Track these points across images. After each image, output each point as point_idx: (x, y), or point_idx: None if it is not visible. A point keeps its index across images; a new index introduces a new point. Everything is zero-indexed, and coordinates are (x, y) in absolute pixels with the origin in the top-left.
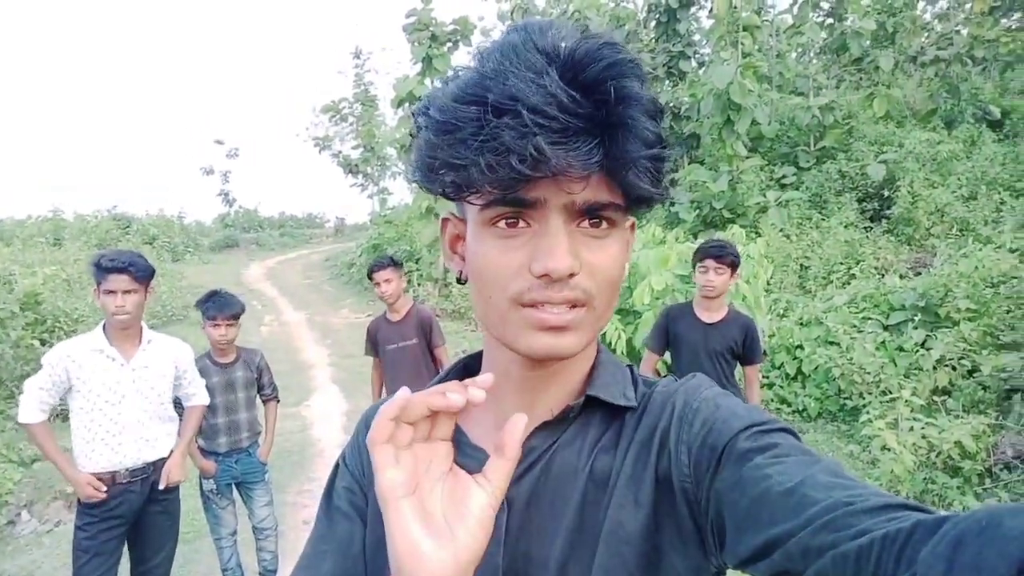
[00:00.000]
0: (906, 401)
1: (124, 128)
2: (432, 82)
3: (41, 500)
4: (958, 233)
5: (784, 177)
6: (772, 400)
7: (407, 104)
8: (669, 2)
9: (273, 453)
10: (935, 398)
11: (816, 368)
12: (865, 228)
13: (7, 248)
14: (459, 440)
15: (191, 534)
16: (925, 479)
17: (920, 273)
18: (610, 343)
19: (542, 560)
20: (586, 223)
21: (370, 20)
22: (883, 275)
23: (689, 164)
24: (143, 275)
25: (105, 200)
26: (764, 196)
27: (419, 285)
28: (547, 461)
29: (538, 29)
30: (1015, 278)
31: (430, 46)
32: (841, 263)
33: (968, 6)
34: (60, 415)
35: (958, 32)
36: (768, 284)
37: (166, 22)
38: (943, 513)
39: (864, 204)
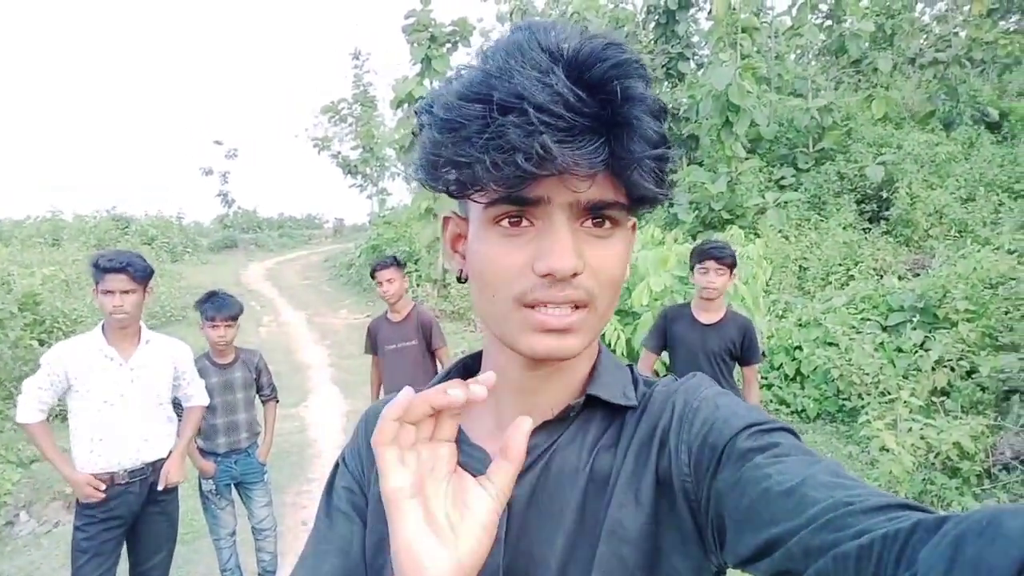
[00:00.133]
0: (905, 402)
1: (123, 128)
2: (431, 83)
3: (40, 501)
4: (956, 234)
5: (783, 178)
6: (771, 401)
7: (406, 105)
8: (668, 4)
9: (272, 454)
10: (934, 399)
11: (815, 369)
12: (864, 229)
13: (5, 248)
14: (459, 439)
15: (190, 535)
16: (924, 480)
17: (919, 274)
18: (609, 344)
19: (542, 559)
20: (589, 222)
21: (370, 21)
22: (882, 276)
23: (688, 165)
24: (141, 275)
25: (104, 200)
26: (763, 197)
27: (418, 286)
28: (547, 460)
29: (542, 29)
30: (1013, 279)
31: (429, 47)
32: (840, 264)
33: (966, 8)
34: (59, 416)
35: (956, 34)
36: (767, 285)
37: (166, 22)
38: (943, 513)
39: (863, 205)
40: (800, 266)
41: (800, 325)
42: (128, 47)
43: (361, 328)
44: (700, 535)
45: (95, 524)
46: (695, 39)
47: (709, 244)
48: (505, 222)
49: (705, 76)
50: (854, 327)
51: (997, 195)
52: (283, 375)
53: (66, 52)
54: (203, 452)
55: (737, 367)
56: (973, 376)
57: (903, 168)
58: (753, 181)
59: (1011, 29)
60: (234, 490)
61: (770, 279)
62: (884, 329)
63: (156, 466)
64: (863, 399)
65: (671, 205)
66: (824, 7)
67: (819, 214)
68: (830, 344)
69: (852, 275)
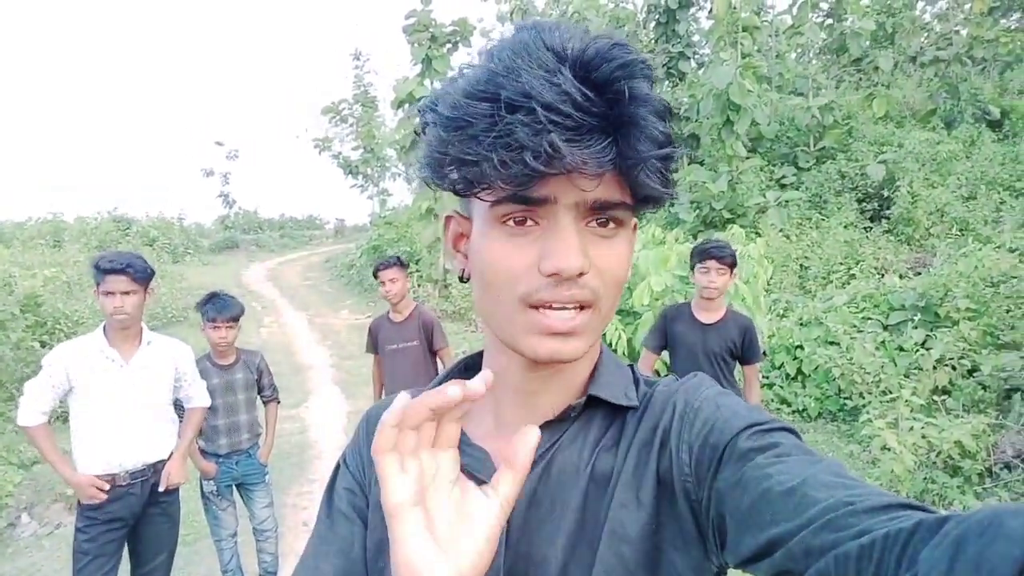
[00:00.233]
0: (906, 401)
1: (124, 129)
2: (432, 83)
3: (41, 502)
4: (958, 233)
5: (784, 177)
6: (772, 400)
7: (407, 105)
8: (668, 3)
9: (273, 454)
10: (935, 398)
11: (816, 368)
12: (865, 228)
13: (7, 250)
14: (460, 440)
15: (191, 536)
16: (925, 479)
17: (920, 273)
18: (611, 343)
19: (543, 560)
20: (594, 222)
21: (370, 21)
22: (883, 275)
23: (689, 164)
24: (141, 276)
25: (105, 201)
26: (764, 196)
27: (419, 286)
28: (548, 461)
29: (548, 28)
30: (1015, 277)
31: (430, 47)
32: (841, 263)
33: (967, 6)
34: (60, 417)
35: (957, 32)
36: (768, 284)
37: (167, 23)
38: (945, 513)
39: (864, 204)
40: (801, 265)
41: (801, 324)
42: (128, 47)
43: (362, 329)
44: (701, 535)
45: (96, 526)
46: (696, 38)
47: (710, 244)
48: (510, 221)
49: (706, 75)
50: (855, 326)
51: (998, 193)
52: (284, 376)
53: (66, 52)
54: (204, 453)
55: (738, 366)
56: (974, 375)
57: (904, 167)
58: (754, 180)
59: (1012, 27)
60: (235, 491)
61: (771, 278)
62: (885, 328)
63: (157, 467)
64: (864, 398)
65: (672, 204)
66: (825, 6)
67: (820, 213)
68: (831, 343)
69: (853, 274)
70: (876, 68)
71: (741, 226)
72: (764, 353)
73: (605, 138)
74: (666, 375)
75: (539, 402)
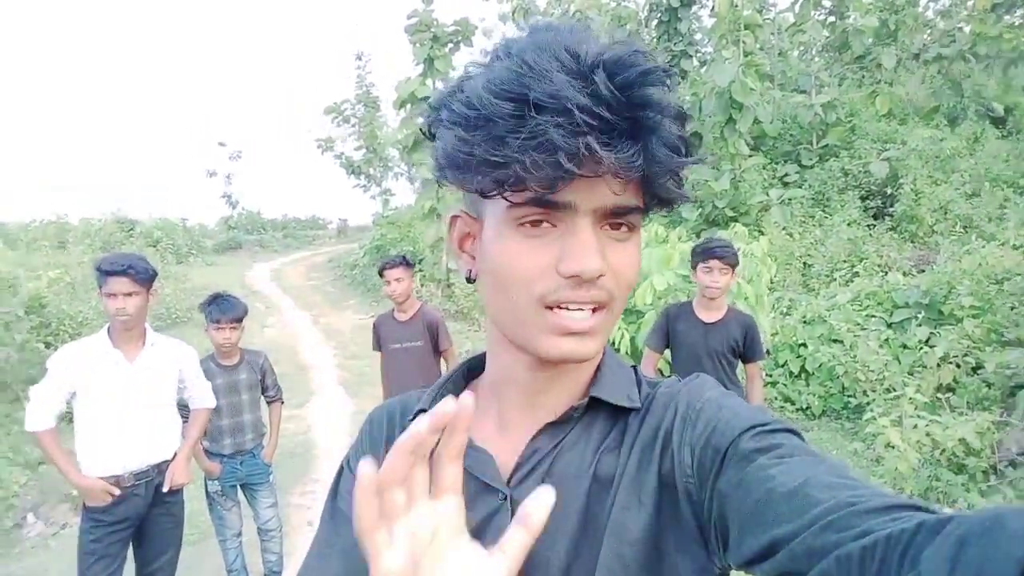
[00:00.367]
0: (910, 399)
1: (127, 129)
2: (434, 83)
3: (47, 503)
4: (961, 230)
5: (787, 175)
6: (776, 398)
7: (409, 105)
8: (670, 1)
9: (277, 454)
10: (939, 395)
11: (820, 366)
12: (868, 226)
13: (11, 251)
14: None
15: (196, 536)
16: (929, 476)
17: (924, 270)
18: (613, 342)
19: (546, 562)
20: (608, 226)
21: (372, 22)
22: (886, 273)
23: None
24: (143, 277)
25: (109, 202)
26: (767, 194)
27: (422, 286)
28: (551, 463)
29: (567, 31)
30: (1019, 275)
31: (431, 47)
32: (844, 261)
33: (970, 3)
34: (64, 418)
35: (960, 29)
36: (771, 282)
37: (170, 23)
38: (947, 513)
39: (867, 202)
40: (804, 263)
41: (805, 322)
42: (131, 48)
43: (365, 328)
44: (703, 536)
45: (102, 527)
46: (698, 36)
47: (713, 243)
48: (527, 223)
49: (708, 73)
50: (859, 324)
51: (1002, 190)
52: (288, 376)
53: (69, 53)
54: (209, 453)
55: (740, 365)
56: (979, 372)
57: (908, 164)
58: (757, 178)
59: (1016, 23)
60: (240, 491)
61: (774, 276)
62: (889, 326)
63: (161, 468)
64: (868, 396)
65: None
66: (827, 3)
67: (823, 211)
68: (835, 341)
69: (857, 272)
70: (879, 65)
71: (744, 224)
72: (767, 352)
73: (634, 143)
74: (669, 374)
75: (543, 403)
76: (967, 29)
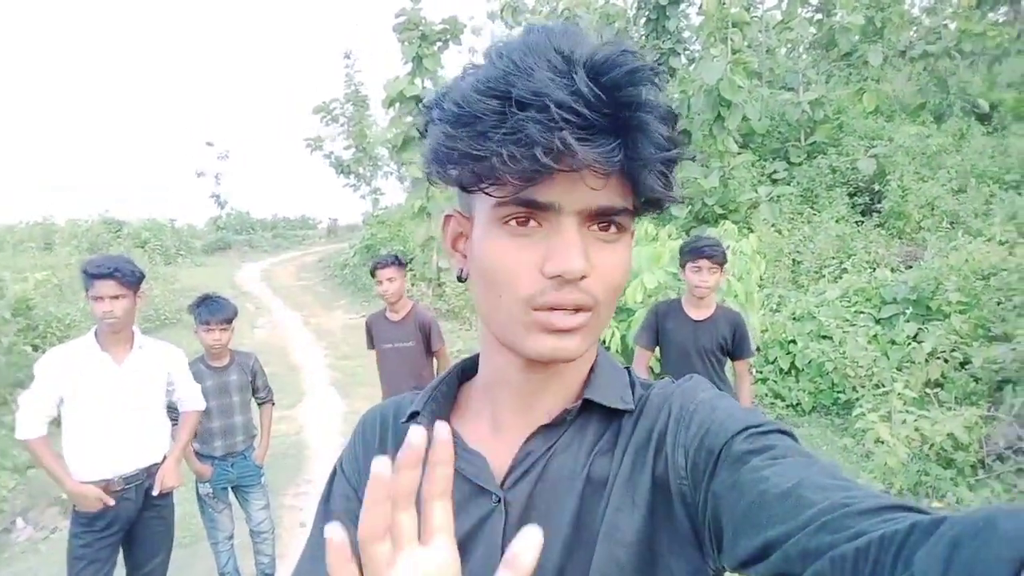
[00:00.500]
0: (899, 394)
1: (116, 130)
2: (422, 82)
3: (36, 507)
4: (948, 226)
5: (775, 172)
6: (766, 395)
7: (398, 104)
8: None
9: (269, 456)
10: (927, 390)
11: (809, 362)
12: (856, 222)
13: None
14: (455, 444)
15: (188, 538)
16: (918, 471)
17: (911, 266)
18: (604, 341)
19: (539, 565)
20: (596, 226)
21: (361, 21)
22: (874, 269)
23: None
24: (130, 280)
25: (98, 202)
26: (755, 192)
27: (413, 285)
28: (544, 465)
29: (557, 32)
30: (1005, 270)
31: (420, 46)
32: (833, 257)
33: (955, 0)
34: (52, 421)
35: (946, 26)
36: (761, 279)
37: (160, 24)
38: (940, 514)
39: (855, 198)
40: (793, 260)
41: (794, 319)
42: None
43: (356, 328)
44: (697, 538)
45: (91, 531)
46: (686, 34)
47: (701, 242)
48: (513, 221)
49: (696, 71)
50: (848, 320)
51: (988, 186)
52: (279, 377)
53: (59, 54)
54: (199, 455)
55: (729, 362)
56: (966, 367)
57: (895, 161)
58: (745, 176)
59: (1000, 20)
60: (231, 493)
61: (764, 273)
62: (877, 322)
63: (151, 471)
64: (857, 392)
65: None
66: (814, 1)
67: (812, 208)
68: (824, 337)
69: (845, 268)
70: (865, 63)
71: (733, 222)
72: (757, 348)
73: (614, 139)
74: (658, 373)
75: (536, 405)
76: (952, 26)
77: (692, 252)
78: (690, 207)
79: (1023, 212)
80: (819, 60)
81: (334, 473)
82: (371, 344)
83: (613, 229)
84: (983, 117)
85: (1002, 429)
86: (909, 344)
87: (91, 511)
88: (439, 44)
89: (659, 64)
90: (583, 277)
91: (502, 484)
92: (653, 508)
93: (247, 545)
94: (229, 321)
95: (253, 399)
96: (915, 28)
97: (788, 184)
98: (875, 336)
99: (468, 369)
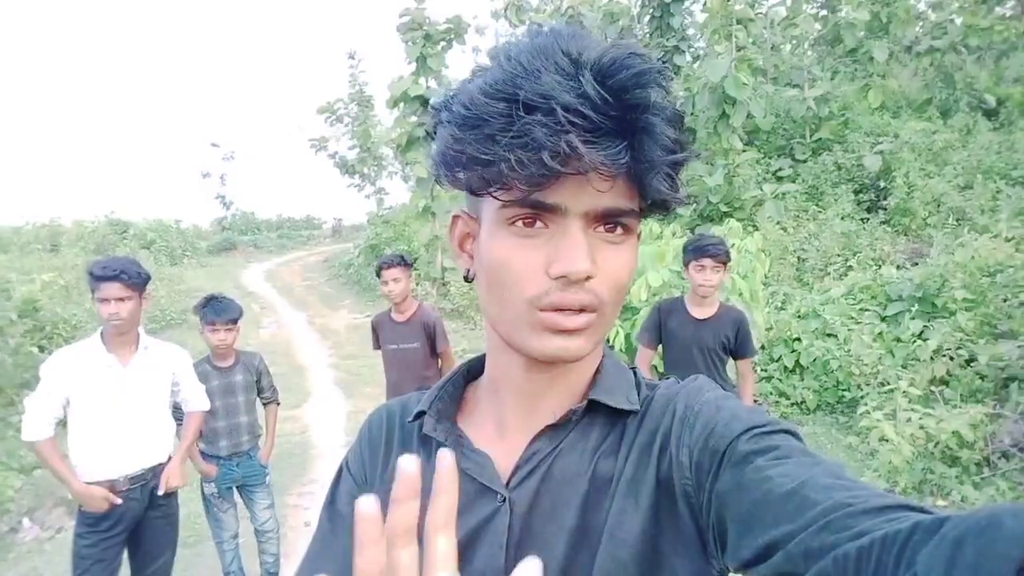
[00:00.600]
0: (904, 392)
1: (122, 131)
2: (426, 81)
3: (42, 507)
4: (954, 223)
5: (780, 170)
6: (771, 393)
7: (402, 104)
8: None
9: (274, 455)
10: (933, 388)
11: (814, 360)
12: (862, 219)
13: (4, 255)
14: (462, 444)
15: (193, 538)
16: (923, 469)
17: (917, 263)
18: (608, 339)
19: (544, 564)
20: (602, 228)
21: (365, 20)
22: (880, 266)
23: None
24: (135, 282)
25: (103, 204)
26: (760, 189)
27: (417, 284)
28: (550, 465)
29: (565, 35)
30: (1011, 267)
31: (424, 45)
32: (838, 255)
33: None
34: (59, 422)
35: (952, 21)
36: (765, 277)
37: (163, 25)
38: (943, 514)
39: (860, 195)
40: (798, 257)
41: (799, 316)
42: (126, 50)
43: (361, 328)
44: (701, 538)
45: (96, 531)
46: (690, 32)
47: (705, 241)
48: (519, 222)
49: (701, 69)
50: (853, 318)
51: (995, 182)
52: (284, 376)
53: (62, 57)
54: (205, 455)
55: (732, 361)
56: (972, 365)
57: (900, 157)
58: (750, 173)
59: (1007, 15)
60: (236, 493)
61: (768, 271)
62: (883, 319)
63: (156, 471)
64: (862, 390)
65: None
66: None
67: (817, 205)
68: (829, 335)
69: (850, 265)
70: (871, 59)
71: (738, 219)
72: (762, 347)
73: (620, 141)
74: (662, 372)
75: (541, 405)
76: (958, 21)
77: (696, 251)
78: (695, 205)
79: None
80: (824, 56)
81: (339, 473)
82: (377, 345)
83: (619, 230)
84: (990, 113)
85: (1007, 427)
86: (914, 342)
87: (98, 511)
88: (443, 44)
89: (664, 63)
90: (588, 278)
91: (507, 484)
92: (657, 508)
93: (252, 545)
94: (234, 321)
95: (258, 399)
96: (921, 23)
97: (793, 181)
98: (880, 334)
99: (475, 369)
